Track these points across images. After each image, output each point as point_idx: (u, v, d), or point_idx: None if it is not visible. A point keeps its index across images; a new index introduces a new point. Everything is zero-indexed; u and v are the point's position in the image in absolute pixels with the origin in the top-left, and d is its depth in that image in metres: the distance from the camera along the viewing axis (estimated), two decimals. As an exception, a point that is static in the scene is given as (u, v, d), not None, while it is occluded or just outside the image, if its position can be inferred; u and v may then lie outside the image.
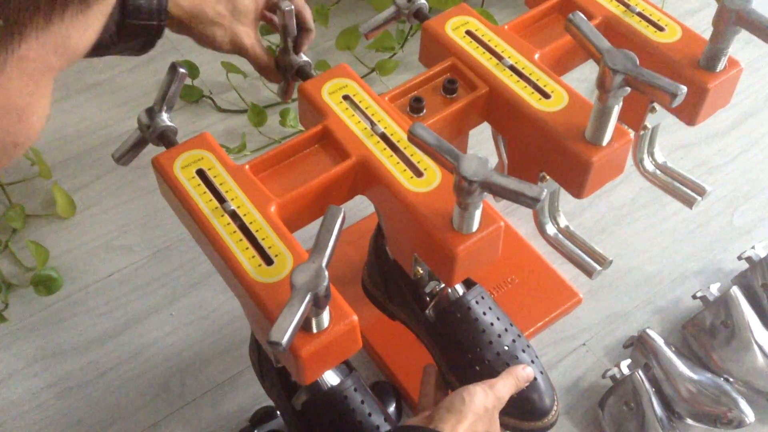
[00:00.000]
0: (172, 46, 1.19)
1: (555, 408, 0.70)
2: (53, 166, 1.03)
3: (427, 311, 0.74)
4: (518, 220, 0.98)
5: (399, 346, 0.84)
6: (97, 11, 0.30)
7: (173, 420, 0.83)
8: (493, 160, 0.85)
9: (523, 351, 0.71)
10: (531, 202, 0.52)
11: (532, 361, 0.71)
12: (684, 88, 0.56)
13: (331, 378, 0.68)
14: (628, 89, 0.59)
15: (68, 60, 0.30)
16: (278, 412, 0.79)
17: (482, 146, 1.00)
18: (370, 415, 0.67)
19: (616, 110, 0.61)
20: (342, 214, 0.52)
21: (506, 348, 0.70)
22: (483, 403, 0.63)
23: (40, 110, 0.30)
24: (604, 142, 0.64)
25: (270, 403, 0.77)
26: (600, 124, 0.63)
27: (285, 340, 0.46)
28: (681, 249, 0.96)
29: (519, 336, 0.73)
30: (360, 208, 0.97)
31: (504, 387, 0.65)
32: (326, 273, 0.50)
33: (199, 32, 0.76)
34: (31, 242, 0.94)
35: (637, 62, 0.58)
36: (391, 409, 0.80)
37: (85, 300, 0.92)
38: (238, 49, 0.78)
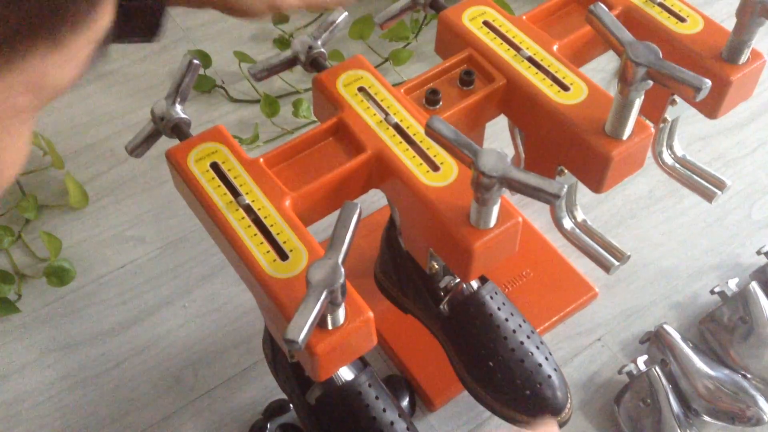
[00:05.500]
0: (183, 35, 1.18)
1: (568, 406, 0.70)
2: (66, 157, 1.03)
3: (441, 306, 0.73)
4: (533, 213, 0.97)
5: (412, 340, 0.84)
6: (77, 44, 0.26)
7: (186, 412, 0.83)
8: (510, 153, 0.84)
9: (537, 348, 0.70)
10: (551, 198, 0.51)
11: (546, 358, 0.70)
12: (708, 82, 0.55)
13: (345, 373, 0.67)
14: (651, 83, 0.58)
15: (48, 97, 0.27)
16: (291, 406, 0.79)
17: (498, 137, 0.99)
18: (384, 410, 0.66)
19: (638, 104, 0.60)
20: (358, 210, 0.52)
21: (521, 343, 0.70)
22: None
23: (11, 155, 0.27)
24: (625, 136, 0.62)
25: (283, 396, 0.77)
26: (621, 118, 0.61)
27: (301, 338, 0.46)
28: (698, 243, 0.95)
29: (533, 332, 0.72)
30: (373, 200, 0.97)
31: None
32: (342, 270, 0.49)
33: None
34: (44, 233, 0.93)
35: (660, 55, 0.57)
36: (404, 403, 0.80)
37: (97, 291, 0.92)
38: None
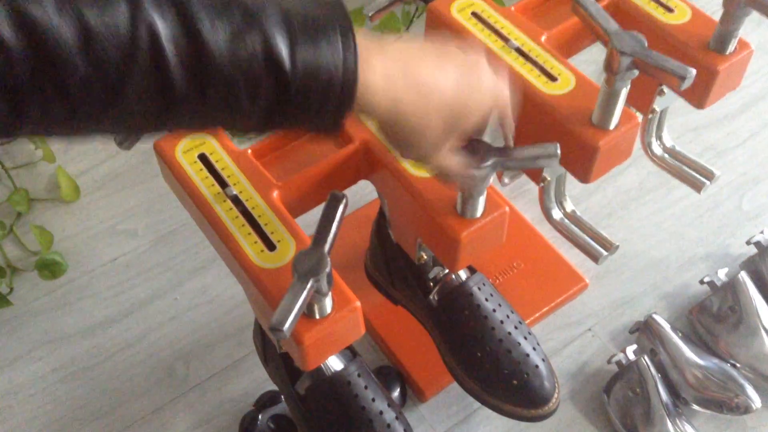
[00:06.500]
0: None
1: (556, 395, 0.70)
2: (57, 150, 1.03)
3: (430, 296, 0.73)
4: (524, 204, 0.97)
5: (403, 331, 0.84)
6: None
7: (178, 404, 0.83)
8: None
9: (525, 338, 0.71)
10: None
11: (534, 348, 0.70)
12: (693, 71, 0.55)
13: (334, 363, 0.68)
14: (636, 72, 0.58)
15: None
16: (282, 397, 0.79)
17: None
18: (373, 400, 0.66)
19: (624, 93, 0.60)
20: (344, 200, 0.52)
21: (508, 334, 0.70)
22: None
23: None
24: (612, 126, 0.63)
25: (275, 387, 0.77)
26: (607, 108, 0.62)
27: (287, 326, 0.46)
28: (689, 234, 0.96)
29: (520, 323, 0.72)
30: (364, 193, 0.97)
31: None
32: (328, 259, 0.50)
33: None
34: (35, 226, 0.94)
35: (646, 44, 0.57)
36: (396, 393, 0.80)
37: (89, 284, 0.92)
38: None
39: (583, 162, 0.65)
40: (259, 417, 0.79)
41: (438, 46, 0.50)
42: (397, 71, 0.46)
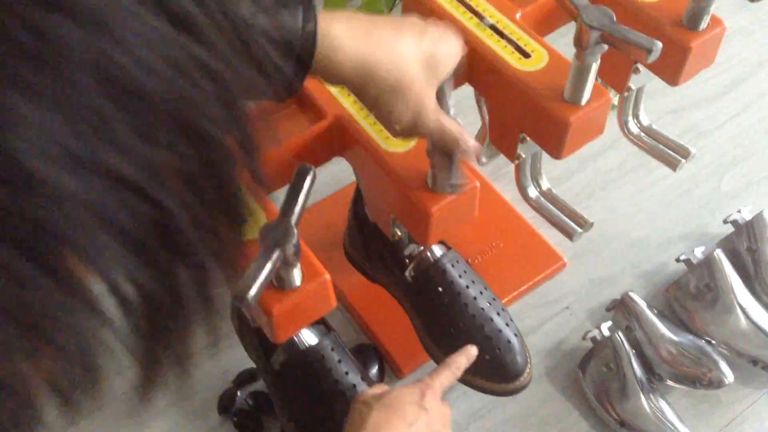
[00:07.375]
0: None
1: (528, 370, 0.70)
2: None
3: (405, 273, 0.74)
4: (504, 185, 0.98)
5: (381, 310, 0.84)
6: None
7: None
8: (476, 126, 0.85)
9: (498, 314, 0.71)
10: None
11: (507, 324, 0.71)
12: (659, 44, 0.55)
13: (308, 338, 0.68)
14: (605, 46, 0.58)
15: None
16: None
17: (467, 114, 1.00)
18: (347, 374, 0.67)
19: (594, 68, 0.60)
20: (312, 172, 0.52)
21: (481, 310, 0.71)
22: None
23: None
24: (583, 102, 0.63)
25: (254, 365, 0.78)
26: (578, 83, 0.62)
27: (251, 295, 0.46)
28: (668, 214, 0.96)
29: (494, 299, 0.73)
30: (346, 174, 0.97)
31: (439, 383, 0.62)
32: (296, 230, 0.50)
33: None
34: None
35: (614, 18, 0.57)
36: (374, 371, 0.81)
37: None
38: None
39: (554, 138, 0.65)
40: (238, 393, 0.80)
41: (397, 17, 0.54)
42: (361, 33, 0.48)
